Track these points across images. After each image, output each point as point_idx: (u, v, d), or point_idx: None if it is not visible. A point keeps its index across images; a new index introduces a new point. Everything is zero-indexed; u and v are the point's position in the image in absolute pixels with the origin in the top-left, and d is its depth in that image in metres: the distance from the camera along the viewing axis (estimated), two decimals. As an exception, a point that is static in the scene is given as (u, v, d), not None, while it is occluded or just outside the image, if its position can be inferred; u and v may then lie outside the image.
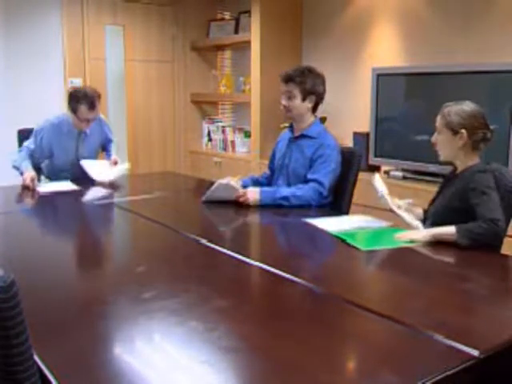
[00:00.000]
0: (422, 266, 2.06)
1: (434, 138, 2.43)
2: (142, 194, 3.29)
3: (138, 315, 1.52)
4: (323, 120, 4.90)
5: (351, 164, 3.02)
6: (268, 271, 1.89)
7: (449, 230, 2.19)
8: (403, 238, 2.26)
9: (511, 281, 2.07)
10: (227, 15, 5.95)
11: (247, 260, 2.01)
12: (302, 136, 3.00)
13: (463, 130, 2.32)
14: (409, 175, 4.04)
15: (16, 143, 3.83)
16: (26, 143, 3.68)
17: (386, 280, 1.98)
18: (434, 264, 2.10)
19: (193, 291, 1.72)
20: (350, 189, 3.03)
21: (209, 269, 1.98)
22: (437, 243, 2.20)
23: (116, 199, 3.23)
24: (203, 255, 2.13)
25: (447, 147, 2.39)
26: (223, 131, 5.89)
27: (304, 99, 2.94)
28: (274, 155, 3.22)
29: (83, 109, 3.53)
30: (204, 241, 2.23)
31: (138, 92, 5.80)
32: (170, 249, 2.29)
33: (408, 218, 2.43)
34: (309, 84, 2.93)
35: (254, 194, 2.86)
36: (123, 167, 3.77)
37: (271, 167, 3.24)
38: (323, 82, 2.99)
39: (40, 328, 1.37)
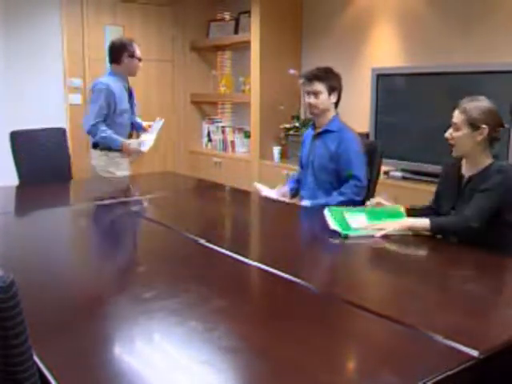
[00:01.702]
0: (422, 267, 2.06)
1: (448, 134, 2.41)
2: (141, 195, 3.29)
3: (138, 315, 1.52)
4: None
5: (374, 156, 3.18)
6: (267, 271, 1.88)
7: (423, 224, 2.27)
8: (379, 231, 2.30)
9: (510, 281, 2.07)
10: (227, 15, 5.94)
11: (246, 260, 2.01)
12: (325, 131, 3.13)
13: (484, 126, 2.31)
14: (408, 175, 4.04)
15: (8, 144, 3.75)
16: (93, 122, 3.77)
17: (386, 280, 1.97)
18: (433, 265, 2.10)
19: (193, 291, 1.72)
20: (373, 182, 3.16)
21: (208, 269, 1.98)
22: (439, 243, 2.20)
23: (115, 199, 3.22)
24: (203, 255, 2.12)
25: (465, 143, 2.36)
26: (223, 131, 5.88)
27: (329, 94, 3.10)
28: (302, 153, 3.34)
29: (136, 47, 3.92)
30: (203, 241, 2.23)
31: (137, 92, 5.76)
32: (170, 249, 2.29)
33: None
34: (332, 80, 3.11)
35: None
36: (159, 124, 3.94)
37: (301, 165, 3.36)
38: (340, 80, 3.18)
39: (40, 328, 1.36)
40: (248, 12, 5.32)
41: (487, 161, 2.36)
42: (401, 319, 1.49)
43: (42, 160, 3.80)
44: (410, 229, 2.31)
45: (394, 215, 2.43)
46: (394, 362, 1.29)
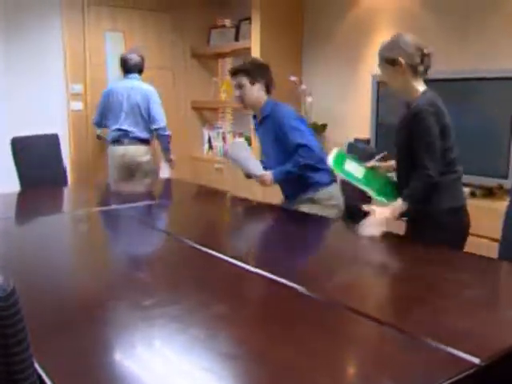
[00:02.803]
0: (421, 273, 2.06)
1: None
2: (141, 201, 3.29)
3: (139, 321, 1.52)
4: (324, 127, 4.92)
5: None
6: (267, 277, 1.88)
7: (398, 208, 2.38)
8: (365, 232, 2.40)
9: (510, 286, 2.06)
10: (228, 22, 5.96)
11: (247, 266, 2.01)
12: (263, 118, 3.22)
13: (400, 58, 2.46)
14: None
15: (9, 151, 3.78)
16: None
17: (386, 286, 1.97)
18: (432, 270, 2.10)
19: (193, 297, 1.72)
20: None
21: (209, 275, 1.98)
22: (436, 249, 2.20)
23: (115, 206, 3.22)
24: (203, 261, 2.12)
25: (392, 80, 2.53)
26: (223, 137, 5.89)
27: (253, 84, 3.15)
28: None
29: None
30: (204, 247, 2.23)
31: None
32: (170, 255, 2.29)
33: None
34: (254, 71, 3.16)
35: (268, 176, 3.13)
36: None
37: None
38: (266, 69, 3.24)
39: (39, 332, 1.36)
40: (249, 19, 5.33)
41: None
42: (401, 326, 1.49)
43: (39, 166, 3.83)
44: (394, 215, 2.39)
45: (385, 187, 2.51)
46: (395, 369, 1.28)
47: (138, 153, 4.58)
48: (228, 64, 6.15)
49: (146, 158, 4.63)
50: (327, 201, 3.11)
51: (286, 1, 5.13)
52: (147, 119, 4.59)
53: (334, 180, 3.15)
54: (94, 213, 3.08)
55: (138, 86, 4.63)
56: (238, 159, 3.23)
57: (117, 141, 4.57)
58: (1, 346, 0.96)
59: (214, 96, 6.14)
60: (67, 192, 3.91)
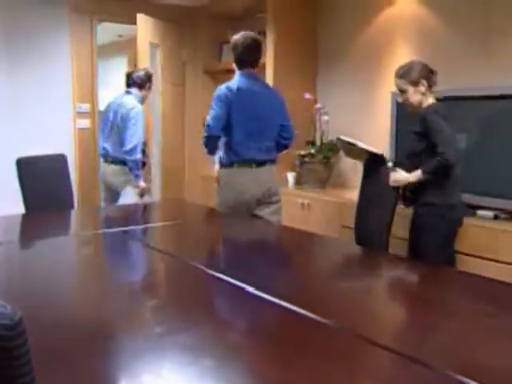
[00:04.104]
0: (439, 299, 2.05)
1: (400, 100, 3.28)
2: (148, 223, 3.31)
3: (148, 350, 1.52)
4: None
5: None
6: (282, 305, 1.88)
7: (418, 176, 3.03)
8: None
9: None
10: (240, 37, 6.00)
11: (260, 293, 2.01)
12: None
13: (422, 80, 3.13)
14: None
15: (14, 172, 3.81)
16: None
17: (402, 313, 1.97)
18: (449, 295, 2.09)
19: (204, 325, 1.73)
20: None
21: (220, 301, 1.98)
22: (455, 274, 2.20)
23: (121, 228, 3.24)
24: (214, 287, 2.14)
25: (413, 99, 3.18)
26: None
27: None
28: None
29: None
30: (214, 271, 2.23)
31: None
32: (178, 279, 2.29)
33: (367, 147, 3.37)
34: None
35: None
36: None
37: None
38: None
39: (43, 364, 1.36)
40: (261, 34, 5.38)
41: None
42: (420, 358, 1.47)
43: (44, 187, 3.85)
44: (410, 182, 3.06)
45: None
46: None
47: (114, 173, 4.69)
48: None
49: (120, 179, 4.68)
50: None
51: (299, 18, 5.19)
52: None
53: None
54: (99, 235, 3.10)
55: (125, 103, 4.65)
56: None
57: (103, 158, 4.75)
58: (6, 378, 0.97)
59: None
60: (73, 214, 3.94)
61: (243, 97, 3.65)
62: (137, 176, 4.62)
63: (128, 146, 4.52)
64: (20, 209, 3.63)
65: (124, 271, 2.53)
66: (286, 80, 5.11)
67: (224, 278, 2.17)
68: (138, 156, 4.58)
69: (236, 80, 3.70)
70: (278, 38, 5.07)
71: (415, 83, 3.14)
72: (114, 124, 4.65)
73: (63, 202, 3.92)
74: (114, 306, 2.00)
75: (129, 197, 4.68)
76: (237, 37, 3.74)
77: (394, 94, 4.23)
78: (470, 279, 2.29)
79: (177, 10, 5.83)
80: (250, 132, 3.66)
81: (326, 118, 5.01)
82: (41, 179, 3.84)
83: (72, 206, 4.02)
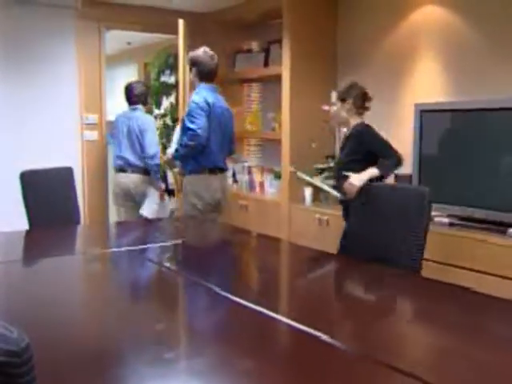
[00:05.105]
0: (458, 320, 2.00)
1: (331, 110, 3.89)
2: (158, 241, 3.28)
3: (158, 377, 1.49)
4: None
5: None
6: (296, 328, 1.84)
7: (373, 172, 3.38)
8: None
9: None
10: (255, 46, 6.00)
11: (273, 314, 1.96)
12: None
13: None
14: (456, 221, 3.95)
15: (18, 186, 3.78)
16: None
17: (425, 338, 1.92)
18: (471, 318, 2.03)
19: (217, 350, 1.69)
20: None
21: (233, 324, 1.95)
22: (473, 295, 2.16)
23: (130, 246, 3.21)
24: (226, 308, 2.10)
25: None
26: (249, 171, 5.87)
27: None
28: None
29: None
30: (227, 292, 2.19)
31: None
32: (190, 301, 2.27)
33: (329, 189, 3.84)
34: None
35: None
36: None
37: None
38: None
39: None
40: (277, 41, 5.37)
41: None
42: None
43: (49, 202, 3.82)
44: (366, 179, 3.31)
45: None
46: None
47: (137, 181, 5.11)
48: (254, 91, 6.19)
49: (142, 187, 5.15)
50: None
51: (318, 24, 5.18)
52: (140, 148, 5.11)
53: None
54: (106, 254, 3.07)
55: (137, 115, 5.17)
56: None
57: (120, 168, 5.12)
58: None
59: (238, 126, 6.16)
60: (79, 231, 3.92)
61: (215, 109, 4.33)
62: (158, 179, 5.24)
63: (151, 152, 5.04)
64: (24, 224, 3.60)
65: (133, 292, 2.50)
66: (303, 90, 5.09)
67: (237, 299, 2.13)
68: (159, 161, 5.12)
69: (205, 93, 4.33)
70: (294, 45, 5.05)
71: (343, 100, 3.70)
72: (133, 134, 5.08)
73: (69, 217, 3.90)
74: (122, 329, 1.95)
75: (152, 200, 5.21)
76: (198, 53, 4.40)
77: (417, 105, 4.20)
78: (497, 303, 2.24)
79: (188, 17, 5.83)
80: (221, 143, 4.41)
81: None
82: (45, 193, 3.82)
83: (78, 222, 4.00)
